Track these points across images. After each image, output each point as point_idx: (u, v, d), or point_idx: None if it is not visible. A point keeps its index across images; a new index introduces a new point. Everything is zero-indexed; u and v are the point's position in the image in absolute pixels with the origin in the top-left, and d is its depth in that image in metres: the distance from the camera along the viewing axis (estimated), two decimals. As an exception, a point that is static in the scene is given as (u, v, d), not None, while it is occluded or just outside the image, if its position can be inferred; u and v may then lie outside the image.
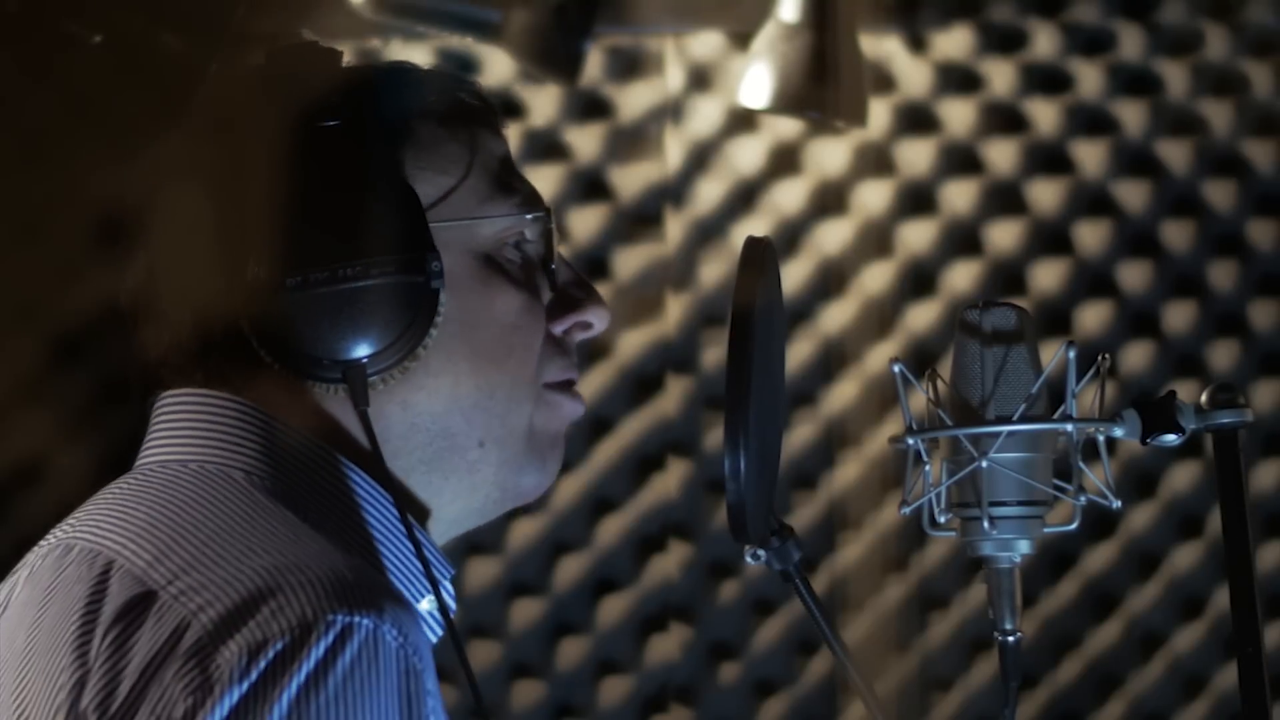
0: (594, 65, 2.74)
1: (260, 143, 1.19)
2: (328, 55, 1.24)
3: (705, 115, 2.81)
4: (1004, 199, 2.84)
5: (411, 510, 1.22)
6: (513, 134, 2.74)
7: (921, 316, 2.83)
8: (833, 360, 2.82)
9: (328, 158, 1.18)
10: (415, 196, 1.20)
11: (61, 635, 1.09)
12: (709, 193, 2.81)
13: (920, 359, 2.69)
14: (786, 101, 2.66)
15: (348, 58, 1.26)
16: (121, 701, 1.03)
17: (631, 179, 2.80)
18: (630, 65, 2.79)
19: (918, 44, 2.83)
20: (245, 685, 1.01)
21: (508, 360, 1.23)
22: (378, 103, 1.23)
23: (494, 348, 1.23)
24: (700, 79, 2.80)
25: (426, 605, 1.22)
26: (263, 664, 1.01)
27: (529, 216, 1.25)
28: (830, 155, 2.82)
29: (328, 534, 1.15)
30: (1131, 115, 2.86)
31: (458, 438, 1.22)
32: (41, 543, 1.21)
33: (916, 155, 2.84)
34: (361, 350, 1.16)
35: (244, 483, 1.17)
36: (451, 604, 1.24)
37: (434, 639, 1.24)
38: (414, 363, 1.19)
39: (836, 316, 2.82)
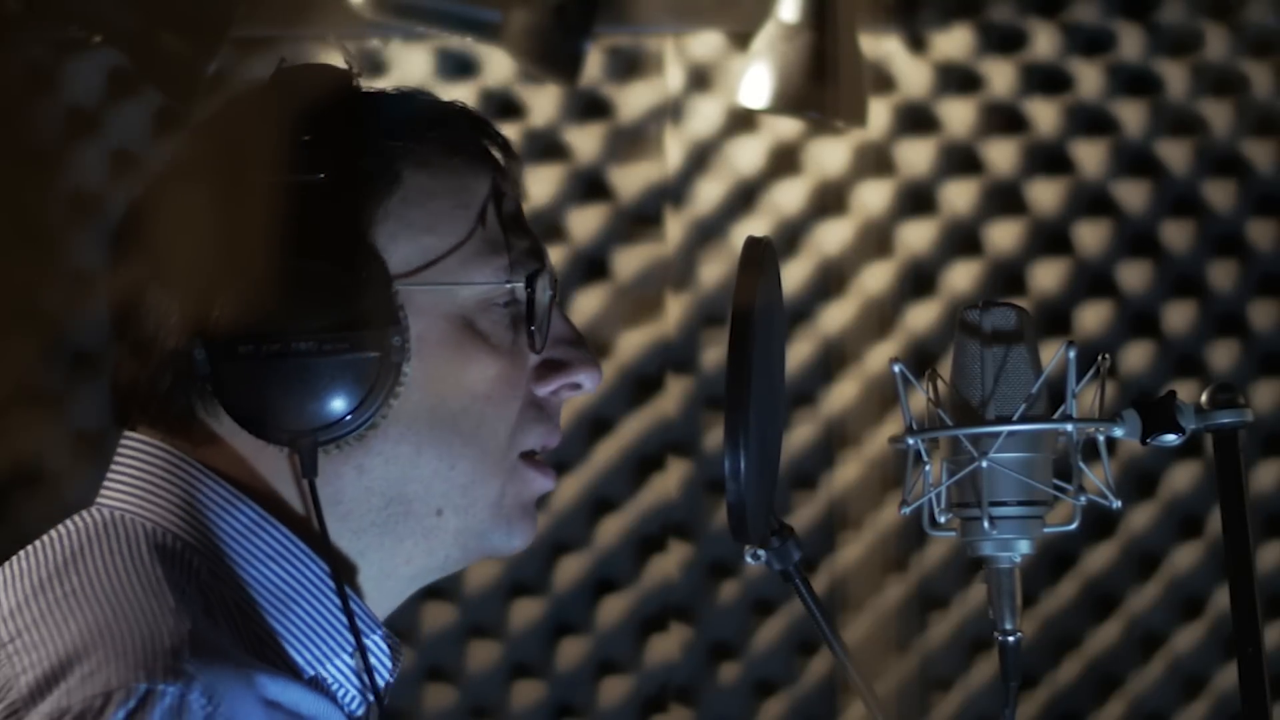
0: (594, 65, 2.73)
1: (240, 189, 1.16)
2: (333, 79, 1.22)
3: (705, 115, 2.81)
4: (1004, 199, 2.84)
5: (362, 570, 1.21)
6: (513, 134, 2.75)
7: (921, 316, 2.83)
8: (833, 360, 2.82)
9: (302, 217, 1.15)
10: (384, 266, 1.17)
11: None
12: (709, 193, 2.81)
13: (920, 359, 2.70)
14: (786, 101, 2.66)
15: (355, 69, 1.23)
16: None
17: (631, 179, 2.80)
18: (630, 65, 2.79)
19: (918, 44, 2.83)
20: None
21: (476, 431, 1.21)
22: (367, 152, 1.20)
23: (461, 419, 1.20)
24: (700, 79, 2.80)
25: (356, 663, 1.20)
26: None
27: (509, 286, 1.22)
28: (830, 155, 2.82)
29: (219, 592, 1.15)
30: (1131, 115, 2.86)
31: (414, 504, 1.20)
32: None
33: (916, 155, 2.83)
34: (312, 422, 1.15)
35: (141, 534, 1.16)
36: (383, 664, 1.23)
37: (366, 698, 1.22)
38: (371, 430, 1.18)
39: (836, 316, 2.82)
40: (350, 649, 1.19)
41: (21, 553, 1.19)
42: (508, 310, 1.23)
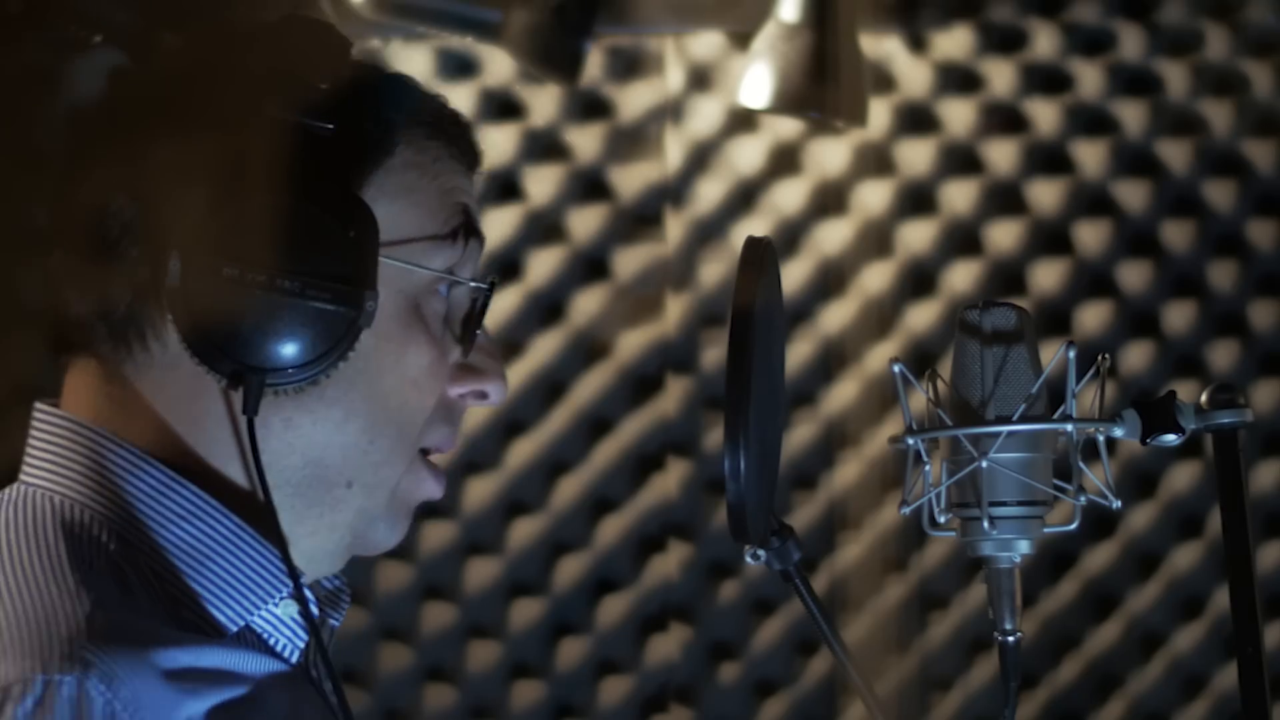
0: (594, 65, 2.73)
1: (240, 127, 1.16)
2: (335, 44, 1.24)
3: (705, 115, 2.81)
4: (1004, 199, 2.84)
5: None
6: (513, 134, 2.76)
7: (921, 316, 2.83)
8: (833, 360, 2.82)
9: (304, 161, 1.16)
10: (376, 229, 1.18)
11: None
12: (709, 193, 2.81)
13: (920, 359, 2.70)
14: (786, 101, 2.66)
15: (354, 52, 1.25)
16: None
17: (631, 179, 2.80)
18: (630, 65, 2.79)
19: (918, 44, 2.83)
20: None
21: (398, 414, 1.22)
22: (366, 111, 1.21)
23: (390, 398, 1.22)
24: (700, 79, 2.80)
25: (281, 611, 1.22)
26: None
27: (472, 284, 1.25)
28: (830, 155, 2.82)
29: (133, 560, 1.15)
30: (1131, 115, 2.86)
31: (329, 470, 1.21)
32: None
33: (916, 155, 2.84)
34: (267, 360, 1.15)
35: (48, 510, 1.17)
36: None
37: (298, 644, 1.23)
38: (312, 386, 1.18)
39: (836, 316, 2.82)
40: (278, 596, 1.20)
41: None
42: (446, 299, 1.25)
